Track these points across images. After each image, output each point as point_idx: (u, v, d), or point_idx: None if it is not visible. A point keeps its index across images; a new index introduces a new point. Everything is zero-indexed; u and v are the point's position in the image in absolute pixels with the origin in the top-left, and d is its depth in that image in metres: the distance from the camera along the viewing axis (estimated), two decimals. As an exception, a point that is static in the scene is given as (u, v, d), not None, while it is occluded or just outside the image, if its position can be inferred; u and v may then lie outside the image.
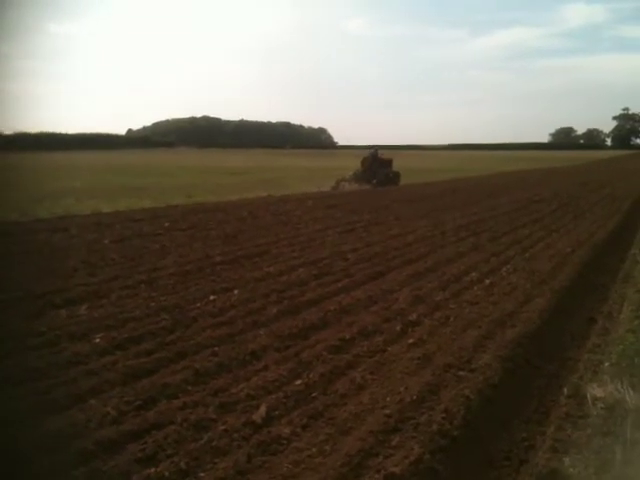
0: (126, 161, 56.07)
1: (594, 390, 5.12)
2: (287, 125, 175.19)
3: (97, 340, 5.91)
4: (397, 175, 29.68)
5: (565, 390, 5.29)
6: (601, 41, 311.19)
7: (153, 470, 3.67)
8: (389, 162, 30.08)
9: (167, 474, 3.64)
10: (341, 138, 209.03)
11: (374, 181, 27.73)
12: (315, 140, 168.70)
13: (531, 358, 5.85)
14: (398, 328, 6.47)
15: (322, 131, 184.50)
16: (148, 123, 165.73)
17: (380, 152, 30.22)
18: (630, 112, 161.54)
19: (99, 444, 3.94)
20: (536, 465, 4.07)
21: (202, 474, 3.67)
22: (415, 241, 12.19)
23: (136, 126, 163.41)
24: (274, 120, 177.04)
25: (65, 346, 5.74)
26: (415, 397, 4.59)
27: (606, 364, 5.85)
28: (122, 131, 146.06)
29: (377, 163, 29.29)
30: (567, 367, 5.93)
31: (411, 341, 6.07)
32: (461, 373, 5.12)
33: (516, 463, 4.17)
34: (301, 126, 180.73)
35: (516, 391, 5.20)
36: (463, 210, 17.85)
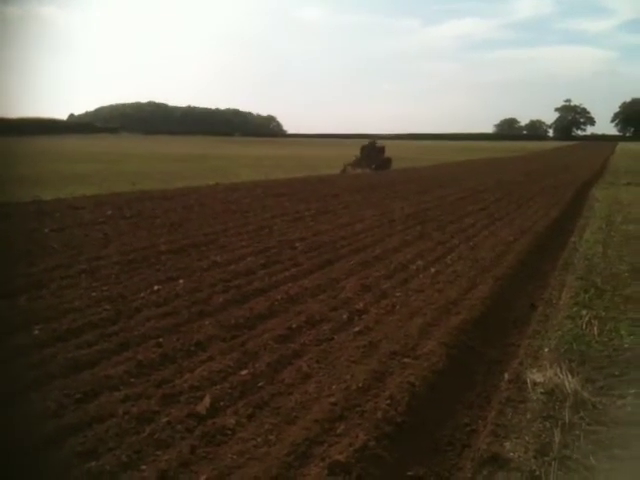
0: (68, 147, 54.45)
1: (534, 375, 5.25)
2: (236, 112, 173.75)
3: (37, 332, 5.72)
4: (389, 160, 34.17)
5: (506, 376, 5.42)
6: (548, 33, 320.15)
7: (94, 464, 3.59)
8: (383, 149, 34.86)
9: (108, 467, 3.56)
10: (290, 127, 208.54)
11: (373, 166, 32.00)
12: (264, 128, 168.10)
13: (474, 344, 5.96)
14: (345, 317, 6.50)
15: (271, 119, 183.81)
16: (91, 108, 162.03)
17: (378, 141, 35.45)
18: (572, 104, 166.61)
19: (39, 438, 3.82)
20: (478, 450, 4.15)
21: (144, 467, 3.61)
22: (363, 230, 12.26)
23: (78, 111, 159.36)
24: (222, 107, 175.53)
25: (3, 339, 5.54)
26: (361, 385, 4.62)
27: (545, 350, 6.01)
28: (63, 116, 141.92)
29: (375, 150, 33.99)
30: (508, 353, 6.08)
31: (357, 329, 6.10)
32: (406, 360, 5.19)
33: (459, 448, 4.24)
34: (250, 113, 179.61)
35: (459, 377, 5.29)
36: (411, 199, 18.07)
